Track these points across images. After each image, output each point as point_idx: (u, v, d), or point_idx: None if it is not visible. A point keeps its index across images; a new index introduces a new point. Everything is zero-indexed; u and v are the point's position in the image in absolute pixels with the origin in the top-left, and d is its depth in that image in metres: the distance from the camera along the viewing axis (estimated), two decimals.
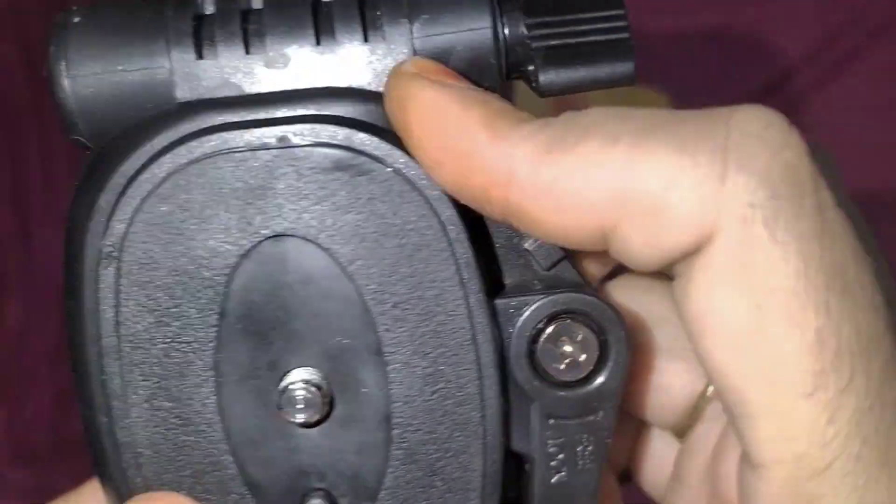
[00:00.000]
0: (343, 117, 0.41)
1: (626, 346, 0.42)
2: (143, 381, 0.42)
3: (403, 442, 0.42)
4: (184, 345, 0.41)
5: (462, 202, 0.41)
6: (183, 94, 0.41)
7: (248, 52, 0.41)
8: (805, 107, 1.19)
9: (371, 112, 0.41)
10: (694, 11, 1.23)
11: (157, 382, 0.42)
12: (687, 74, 1.24)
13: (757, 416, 0.37)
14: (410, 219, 0.40)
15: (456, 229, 0.41)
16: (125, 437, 0.42)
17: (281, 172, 0.40)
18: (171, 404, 0.42)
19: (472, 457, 0.42)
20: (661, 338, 0.49)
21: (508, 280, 0.44)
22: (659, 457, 0.52)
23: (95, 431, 0.42)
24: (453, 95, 0.40)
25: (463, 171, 0.39)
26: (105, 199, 0.41)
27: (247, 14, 0.42)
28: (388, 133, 0.40)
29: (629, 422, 0.52)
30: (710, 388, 0.48)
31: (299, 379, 0.41)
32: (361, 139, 0.40)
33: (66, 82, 0.41)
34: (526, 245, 0.43)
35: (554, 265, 0.43)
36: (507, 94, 0.43)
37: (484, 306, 0.41)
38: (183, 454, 0.42)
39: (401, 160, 0.40)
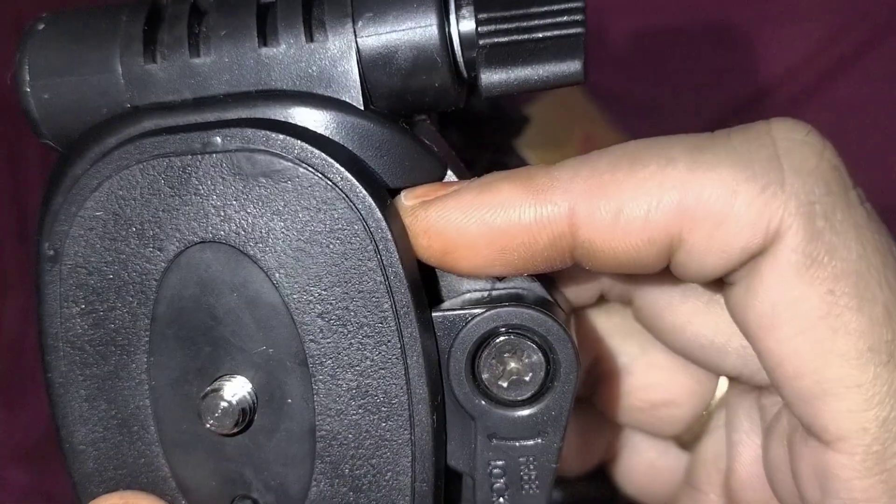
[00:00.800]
0: (274, 121, 0.40)
1: (575, 367, 0.41)
2: (83, 381, 0.42)
3: (328, 455, 0.41)
4: (119, 348, 0.41)
5: (535, 273, 0.41)
6: (133, 98, 0.41)
7: (192, 56, 0.41)
8: (804, 107, 1.19)
9: (307, 115, 0.40)
10: (693, 10, 1.23)
11: (95, 383, 0.42)
12: (686, 73, 1.24)
13: (837, 391, 0.39)
14: (336, 227, 0.40)
15: (384, 237, 0.39)
16: (67, 434, 0.42)
17: (206, 177, 0.40)
18: (107, 405, 0.42)
19: (399, 475, 0.41)
20: (659, 357, 0.50)
21: (465, 288, 0.43)
22: (649, 463, 0.54)
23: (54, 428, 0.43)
24: (470, 193, 0.40)
25: (526, 243, 0.40)
26: (56, 202, 0.41)
27: (196, 16, 0.42)
28: (319, 138, 0.40)
29: (606, 424, 0.54)
30: (716, 400, 0.50)
31: (220, 388, 0.41)
32: (288, 144, 0.39)
33: (27, 89, 0.42)
34: None
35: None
36: (458, 96, 0.42)
37: (414, 318, 0.40)
38: (120, 454, 0.42)
39: (328, 166, 0.39)
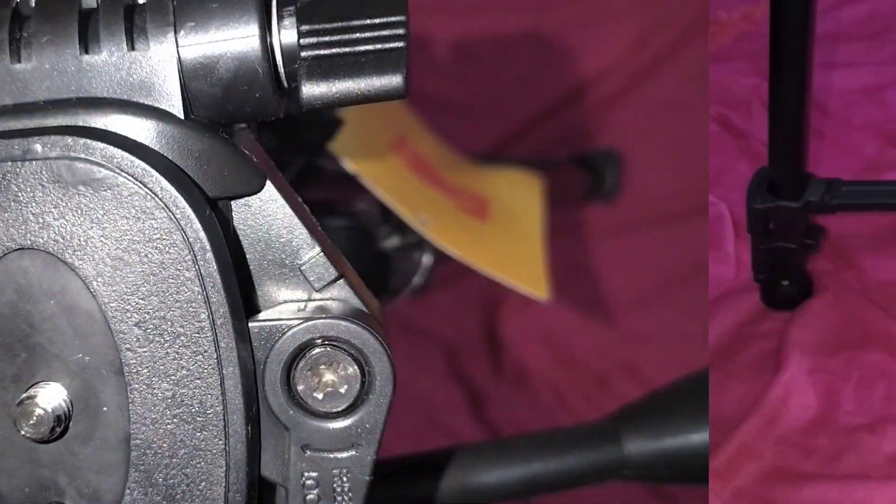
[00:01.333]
0: (95, 129, 0.40)
1: (391, 380, 0.42)
2: None
3: (142, 464, 0.41)
4: None
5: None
6: None
7: (12, 62, 0.41)
8: (615, 108, 1.21)
9: (127, 123, 0.40)
10: (505, 11, 1.24)
11: None
12: (498, 74, 1.25)
13: None
14: (155, 236, 0.40)
15: (203, 247, 0.40)
16: None
17: (25, 184, 0.40)
18: None
19: (212, 485, 0.42)
20: None
21: (282, 298, 0.43)
22: None
23: None
24: None
25: None
26: None
27: (17, 20, 0.41)
28: (139, 147, 0.40)
29: None
30: None
31: (35, 395, 0.41)
32: (107, 153, 0.39)
33: None
34: (300, 263, 0.43)
35: (327, 285, 0.43)
36: (278, 107, 0.42)
37: (230, 328, 0.41)
38: None
39: (147, 175, 0.39)
